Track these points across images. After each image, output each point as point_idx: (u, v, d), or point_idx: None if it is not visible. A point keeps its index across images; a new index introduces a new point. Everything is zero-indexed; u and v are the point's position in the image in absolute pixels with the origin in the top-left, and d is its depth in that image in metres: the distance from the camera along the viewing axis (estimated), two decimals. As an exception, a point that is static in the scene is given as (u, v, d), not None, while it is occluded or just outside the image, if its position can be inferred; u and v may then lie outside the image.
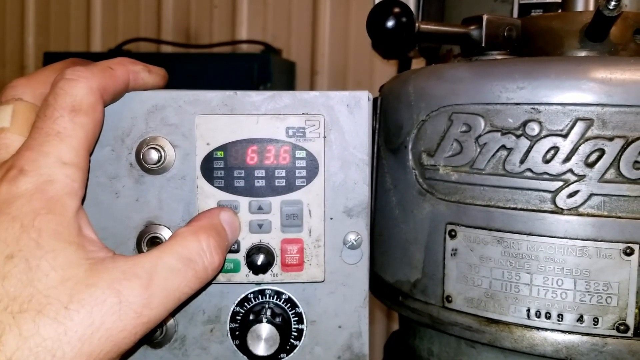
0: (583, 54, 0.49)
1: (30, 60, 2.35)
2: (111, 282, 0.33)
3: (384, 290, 0.53)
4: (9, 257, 0.32)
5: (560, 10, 0.56)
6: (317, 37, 2.09)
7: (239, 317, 0.45)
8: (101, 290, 0.33)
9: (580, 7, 0.52)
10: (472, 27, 0.50)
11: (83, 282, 0.33)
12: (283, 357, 0.45)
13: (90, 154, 0.38)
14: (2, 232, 0.33)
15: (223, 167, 0.43)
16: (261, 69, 1.84)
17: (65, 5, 2.30)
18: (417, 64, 0.84)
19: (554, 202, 0.42)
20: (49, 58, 1.99)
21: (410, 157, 0.49)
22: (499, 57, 0.50)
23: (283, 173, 0.43)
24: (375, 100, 0.46)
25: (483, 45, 0.50)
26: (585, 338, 0.42)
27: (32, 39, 2.35)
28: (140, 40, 2.17)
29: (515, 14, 0.63)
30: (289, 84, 2.08)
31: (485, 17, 0.50)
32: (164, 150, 0.43)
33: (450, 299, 0.47)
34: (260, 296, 0.45)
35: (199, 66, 1.87)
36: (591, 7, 0.52)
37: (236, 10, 2.15)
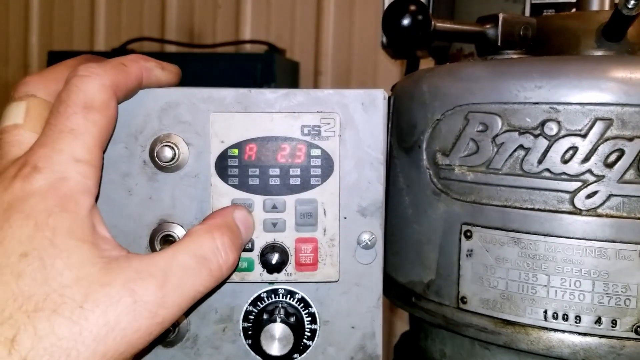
0: (600, 53, 0.49)
1: (34, 59, 2.35)
2: (126, 281, 0.33)
3: (396, 290, 0.53)
4: (24, 255, 0.32)
5: (574, 10, 0.56)
6: (320, 37, 2.09)
7: (252, 317, 0.44)
8: (116, 290, 0.32)
9: (595, 6, 0.52)
10: (487, 26, 0.50)
11: (98, 282, 0.32)
12: (296, 357, 0.45)
13: (104, 152, 0.38)
14: (17, 230, 0.32)
15: (237, 165, 0.42)
16: (265, 69, 1.84)
17: (69, 4, 2.30)
18: (425, 63, 0.83)
19: (572, 202, 0.42)
20: (53, 57, 1.99)
21: (425, 156, 0.48)
22: (515, 56, 0.50)
23: (298, 171, 0.42)
24: (387, 99, 0.45)
25: (499, 44, 0.49)
26: (603, 340, 0.42)
27: (35, 38, 2.35)
28: (144, 40, 2.16)
29: (527, 13, 0.63)
30: (292, 84, 2.07)
31: (501, 16, 0.49)
32: (178, 148, 0.42)
33: (465, 300, 0.46)
34: (273, 295, 0.45)
35: (202, 66, 1.87)
36: (607, 7, 0.52)
37: (240, 10, 2.15)
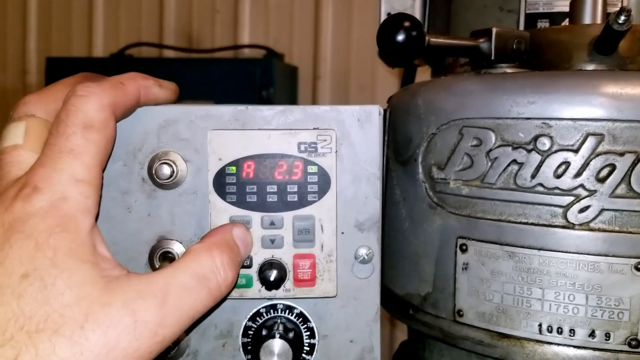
0: (592, 67, 0.49)
1: (32, 65, 2.36)
2: (126, 301, 0.33)
3: (393, 302, 0.53)
4: (24, 275, 0.32)
5: (567, 22, 0.56)
6: (319, 41, 2.09)
7: (251, 332, 0.45)
8: (116, 310, 0.33)
9: (588, 19, 0.52)
10: (481, 40, 0.51)
11: (98, 301, 0.33)
12: (295, 372, 0.45)
13: (103, 170, 0.38)
14: (17, 250, 0.33)
15: (235, 182, 0.43)
16: (263, 73, 1.85)
17: (67, 10, 2.31)
18: (422, 71, 0.84)
19: (565, 217, 0.42)
20: (51, 63, 1.99)
21: (420, 170, 0.49)
22: (508, 70, 0.50)
23: (295, 188, 0.43)
24: (383, 112, 0.46)
25: (492, 58, 0.50)
26: (597, 353, 0.42)
27: (33, 44, 2.35)
28: (142, 45, 2.17)
29: (522, 23, 0.64)
30: (291, 89, 2.08)
31: (494, 30, 0.50)
32: (176, 165, 0.43)
33: (461, 313, 0.47)
34: (272, 310, 0.45)
35: (201, 71, 1.87)
36: (599, 20, 0.53)
37: (238, 14, 2.16)
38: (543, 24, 0.62)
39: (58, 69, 1.95)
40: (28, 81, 2.37)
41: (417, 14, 0.75)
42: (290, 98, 2.04)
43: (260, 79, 1.84)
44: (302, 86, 2.11)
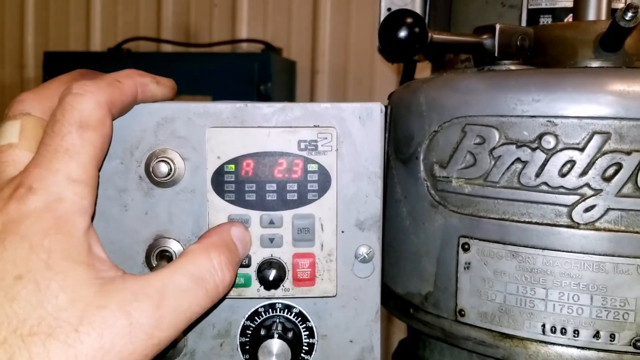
0: (597, 64, 0.49)
1: (30, 60, 2.35)
2: (121, 303, 0.33)
3: (394, 302, 0.53)
4: (18, 278, 0.32)
5: (571, 18, 0.56)
6: (317, 36, 2.08)
7: (250, 332, 0.44)
8: (111, 312, 0.32)
9: (592, 16, 0.52)
10: (484, 37, 0.50)
11: (93, 304, 0.32)
12: (294, 372, 0.45)
13: (99, 169, 0.37)
14: (11, 252, 0.32)
15: (234, 180, 0.42)
16: (261, 68, 1.84)
17: (65, 5, 2.29)
18: (422, 66, 0.83)
19: (570, 216, 0.42)
20: (49, 57, 1.98)
21: (422, 168, 0.48)
22: (512, 66, 0.50)
23: (295, 187, 0.42)
24: (384, 111, 0.45)
25: (496, 54, 0.49)
26: (601, 354, 0.42)
27: (31, 38, 2.34)
28: (140, 39, 2.16)
29: (524, 19, 0.63)
30: (289, 84, 2.07)
31: (498, 27, 0.49)
32: (174, 163, 0.42)
33: (463, 312, 0.46)
34: (270, 310, 0.44)
35: (198, 65, 1.86)
36: (604, 17, 0.52)
37: (236, 9, 2.15)
38: (545, 19, 0.61)
39: (56, 64, 1.94)
40: (26, 76, 2.36)
41: (418, 10, 0.74)
42: (288, 93, 2.03)
43: (258, 73, 1.83)
44: (300, 81, 2.10)
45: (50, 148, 0.35)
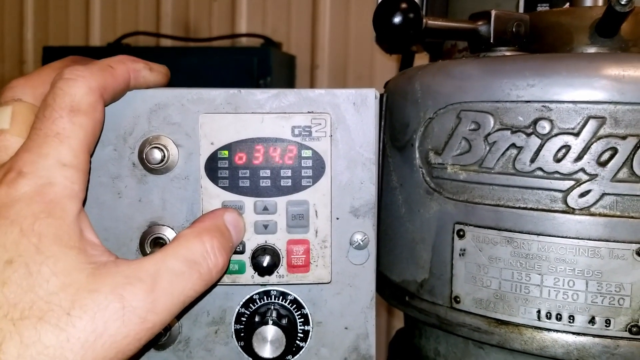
0: (593, 50, 0.48)
1: (29, 55, 2.34)
2: (114, 287, 0.33)
3: (389, 289, 0.53)
4: (9, 262, 0.32)
5: (568, 5, 0.55)
6: (317, 30, 2.08)
7: (244, 319, 0.44)
8: (104, 296, 0.32)
9: (589, 2, 0.51)
10: (480, 23, 0.49)
11: (85, 288, 0.32)
12: (289, 359, 0.44)
13: (91, 155, 0.37)
14: (1, 236, 0.32)
15: (228, 167, 0.42)
16: (261, 62, 1.83)
17: (64, 0, 2.29)
18: (420, 58, 0.82)
19: (565, 201, 0.41)
20: (48, 52, 1.98)
21: (417, 155, 0.48)
22: (508, 53, 0.49)
23: (289, 173, 0.42)
24: (380, 97, 0.45)
25: (491, 41, 0.49)
26: (597, 340, 0.41)
27: (31, 34, 2.34)
28: (139, 34, 2.15)
29: (521, 7, 0.62)
30: (289, 78, 2.06)
31: (493, 13, 0.49)
32: (167, 150, 0.42)
33: (458, 299, 0.46)
34: (265, 297, 0.44)
35: (198, 60, 1.86)
36: (600, 2, 0.52)
37: (236, 3, 2.14)
38: (543, 7, 0.61)
39: (55, 59, 1.93)
40: (26, 71, 2.36)
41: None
42: (288, 87, 2.02)
43: (257, 68, 1.83)
44: (299, 75, 2.09)
45: (40, 132, 0.35)
